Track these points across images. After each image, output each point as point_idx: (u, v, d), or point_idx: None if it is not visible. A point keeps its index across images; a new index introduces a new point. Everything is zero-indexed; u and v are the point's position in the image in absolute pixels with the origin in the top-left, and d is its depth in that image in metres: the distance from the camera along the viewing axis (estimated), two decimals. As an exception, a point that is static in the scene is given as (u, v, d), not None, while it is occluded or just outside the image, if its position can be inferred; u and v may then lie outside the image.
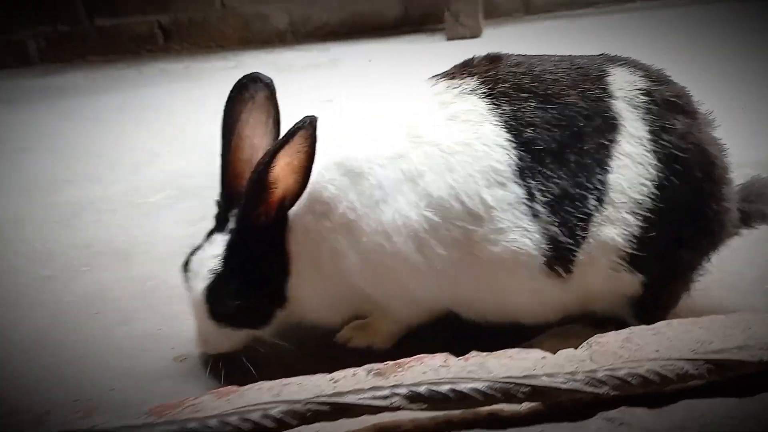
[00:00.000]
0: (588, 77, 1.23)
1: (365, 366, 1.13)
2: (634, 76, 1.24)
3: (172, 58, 4.42)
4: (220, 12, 4.49)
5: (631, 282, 1.22)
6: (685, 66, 3.08)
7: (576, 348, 1.13)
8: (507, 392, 0.95)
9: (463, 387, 0.95)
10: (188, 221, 2.11)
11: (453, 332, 1.35)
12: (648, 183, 1.17)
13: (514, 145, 1.19)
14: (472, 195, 1.18)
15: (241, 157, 1.30)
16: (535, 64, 1.26)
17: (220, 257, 1.29)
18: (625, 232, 1.17)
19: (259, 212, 1.24)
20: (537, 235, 1.18)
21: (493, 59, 1.29)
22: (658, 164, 1.17)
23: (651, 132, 1.19)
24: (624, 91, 1.22)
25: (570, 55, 1.31)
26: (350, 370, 1.13)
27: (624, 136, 1.18)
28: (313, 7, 4.51)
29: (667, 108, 1.21)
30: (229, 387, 1.12)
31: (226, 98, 1.36)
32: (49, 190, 2.48)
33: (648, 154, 1.17)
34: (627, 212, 1.17)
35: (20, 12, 4.41)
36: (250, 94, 1.30)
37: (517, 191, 1.18)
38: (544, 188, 1.17)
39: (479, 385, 0.95)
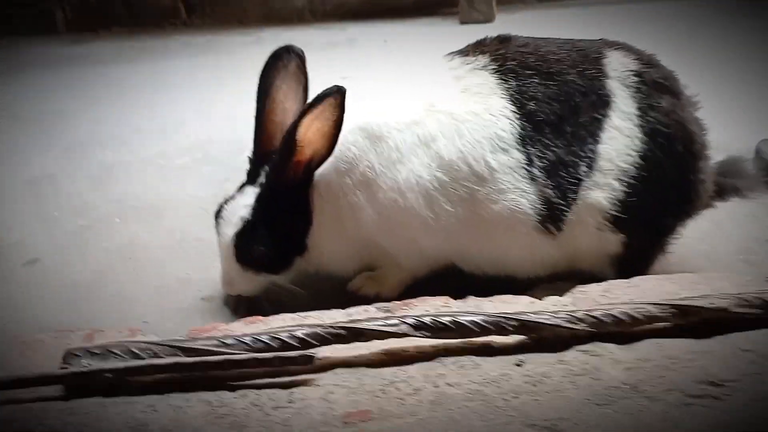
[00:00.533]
0: (587, 58, 1.38)
1: (375, 304, 1.29)
2: (628, 58, 1.39)
3: (194, 32, 4.54)
4: (242, -12, 4.62)
5: (613, 241, 1.37)
6: (694, 54, 3.21)
7: (561, 296, 1.29)
8: (498, 325, 1.11)
9: (462, 319, 1.11)
10: (212, 183, 2.26)
11: (452, 285, 1.50)
12: (634, 153, 1.32)
13: (517, 115, 1.34)
14: (478, 158, 1.33)
15: (274, 119, 1.45)
16: (540, 46, 1.41)
17: (250, 207, 1.43)
18: (611, 196, 1.33)
19: (288, 169, 1.38)
20: (533, 196, 1.33)
21: (503, 40, 1.45)
22: (644, 137, 1.33)
23: (639, 109, 1.34)
24: (617, 71, 1.37)
25: (572, 39, 1.45)
26: (362, 307, 1.29)
27: (615, 112, 1.34)
28: (332, -14, 4.63)
29: (655, 88, 1.36)
30: (256, 317, 1.29)
31: (256, 72, 1.49)
32: (81, 151, 2.63)
33: (635, 128, 1.33)
34: (613, 178, 1.32)
35: (49, -19, 4.55)
36: (284, 63, 1.44)
37: (518, 156, 1.33)
38: (542, 155, 1.33)
39: (476, 318, 1.11)
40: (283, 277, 1.51)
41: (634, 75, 1.36)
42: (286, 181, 1.41)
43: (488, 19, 4.31)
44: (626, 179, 1.33)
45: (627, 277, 1.33)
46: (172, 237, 1.91)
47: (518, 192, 1.33)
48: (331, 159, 1.38)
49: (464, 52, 1.45)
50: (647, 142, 1.33)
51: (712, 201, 1.46)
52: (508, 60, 1.39)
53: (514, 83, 1.36)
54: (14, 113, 3.16)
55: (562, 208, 1.33)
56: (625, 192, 1.33)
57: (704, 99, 1.50)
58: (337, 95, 1.29)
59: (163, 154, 2.55)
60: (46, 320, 1.54)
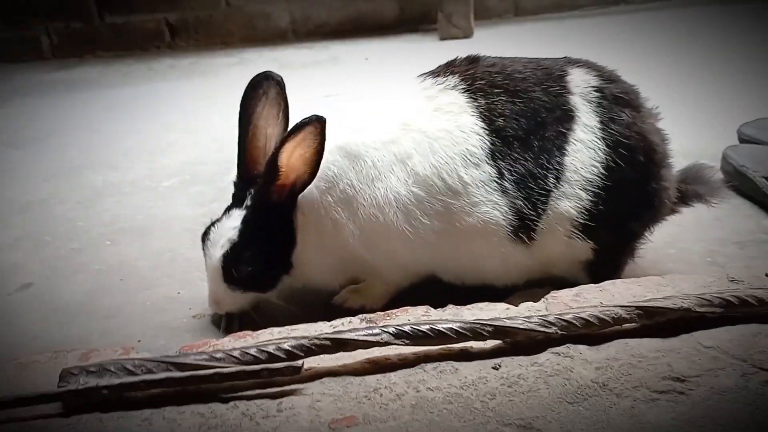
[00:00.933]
0: (551, 76, 1.46)
1: (359, 315, 1.35)
2: (589, 75, 1.47)
3: (179, 55, 4.63)
4: (225, 10, 4.69)
5: (583, 248, 1.44)
6: (660, 65, 3.32)
7: (536, 302, 1.35)
8: (475, 331, 1.17)
9: (439, 326, 1.17)
10: (200, 203, 2.32)
11: (434, 295, 1.56)
12: (598, 164, 1.40)
13: (487, 132, 1.41)
14: (452, 174, 1.40)
15: (257, 145, 1.51)
16: (507, 65, 1.48)
17: (237, 229, 1.49)
18: (578, 206, 1.40)
19: (272, 192, 1.44)
20: (505, 208, 1.40)
21: (473, 60, 1.52)
22: (607, 149, 1.40)
23: (601, 122, 1.42)
24: (580, 88, 1.45)
25: (537, 58, 1.53)
26: (347, 318, 1.34)
27: (578, 125, 1.41)
28: (313, 7, 4.72)
29: (615, 102, 1.44)
30: (245, 332, 1.34)
31: (241, 94, 1.55)
32: (70, 175, 2.68)
33: (598, 141, 1.40)
34: (580, 189, 1.40)
35: (34, 8, 4.61)
36: (264, 90, 1.49)
37: (489, 171, 1.40)
38: (511, 168, 1.40)
39: (453, 325, 1.17)
40: (271, 294, 1.56)
41: (595, 90, 1.44)
42: (270, 203, 1.46)
43: (467, 34, 4.42)
44: (592, 189, 1.40)
45: (598, 281, 1.40)
46: (162, 257, 1.96)
47: (491, 204, 1.39)
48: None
49: (436, 73, 1.52)
50: (610, 154, 1.40)
51: (677, 207, 1.54)
52: (477, 80, 1.46)
53: (483, 101, 1.43)
54: (2, 139, 3.21)
55: (533, 218, 1.40)
56: (591, 201, 1.40)
57: (671, 106, 1.58)
58: (317, 124, 1.35)
59: (152, 176, 2.61)
60: (42, 342, 1.58)
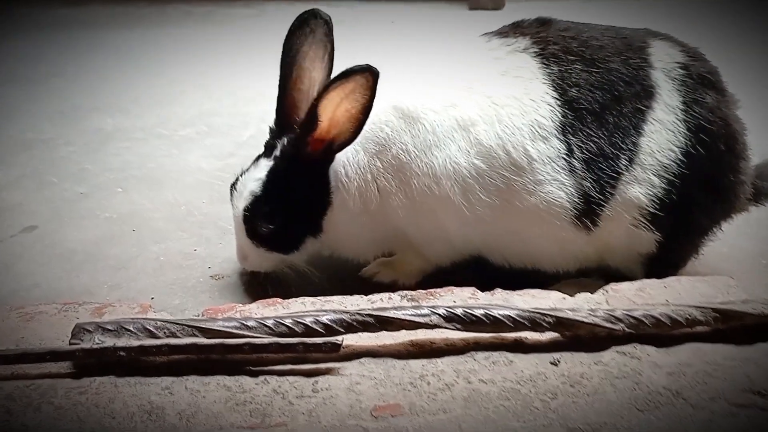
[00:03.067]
0: (631, 47, 1.32)
1: (399, 292, 1.24)
2: (673, 50, 1.33)
3: (195, 2, 4.44)
4: (246, -41, 4.51)
5: (648, 239, 1.32)
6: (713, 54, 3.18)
7: (593, 293, 1.24)
8: (534, 321, 1.06)
9: (495, 312, 1.06)
10: (216, 156, 2.19)
11: (472, 275, 1.46)
12: (676, 149, 1.27)
13: (559, 102, 1.28)
14: (518, 146, 1.27)
15: (300, 88, 1.37)
16: (582, 30, 1.34)
17: (261, 181, 1.36)
18: (650, 192, 1.27)
19: (307, 145, 1.31)
20: (571, 189, 1.27)
21: (544, 22, 1.37)
22: (687, 133, 1.27)
23: (684, 103, 1.28)
24: (663, 62, 1.31)
25: (614, 26, 1.39)
26: (386, 294, 1.23)
27: (659, 104, 1.28)
28: (338, -36, 4.53)
29: (701, 83, 1.30)
30: (275, 298, 1.22)
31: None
32: (78, 116, 2.54)
33: (679, 123, 1.27)
34: (654, 174, 1.27)
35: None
36: (311, 29, 1.36)
37: (558, 146, 1.27)
38: (582, 145, 1.27)
39: (510, 312, 1.06)
40: (296, 257, 1.44)
41: (680, 67, 1.31)
42: (303, 157, 1.33)
43: (497, 6, 4.26)
44: (666, 176, 1.27)
45: (657, 276, 1.28)
46: (177, 210, 1.84)
47: (556, 184, 1.27)
48: (361, 138, 1.31)
49: (503, 33, 1.38)
50: (690, 138, 1.27)
51: (748, 203, 1.42)
52: (550, 44, 1.32)
53: (556, 68, 1.30)
54: (7, 75, 3.05)
55: (600, 202, 1.28)
56: (664, 189, 1.28)
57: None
58: (368, 75, 1.20)
59: (164, 124, 2.47)
60: (44, 290, 1.47)
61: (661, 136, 1.27)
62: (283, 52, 1.37)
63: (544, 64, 1.31)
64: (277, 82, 1.37)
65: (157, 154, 2.20)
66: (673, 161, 1.27)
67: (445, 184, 1.29)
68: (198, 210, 1.83)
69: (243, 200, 1.37)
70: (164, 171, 2.08)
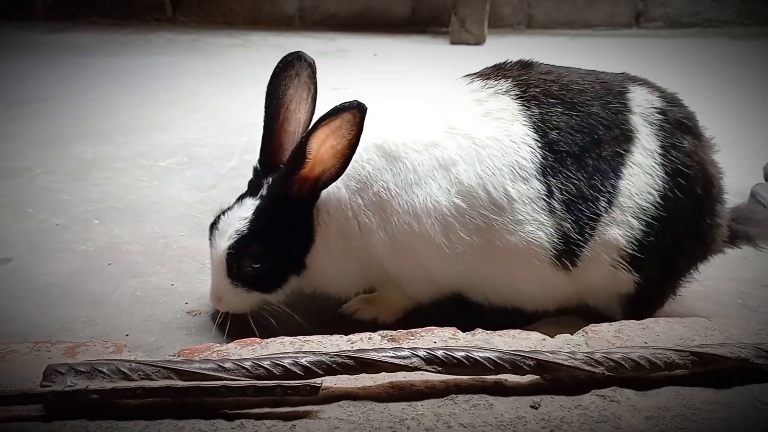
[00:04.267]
0: (610, 91, 1.34)
1: (379, 331, 1.23)
2: (652, 95, 1.36)
3: (179, 30, 4.46)
4: (232, -11, 4.55)
5: (627, 280, 1.33)
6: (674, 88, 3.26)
7: (572, 334, 1.24)
8: (514, 363, 1.06)
9: (476, 355, 1.05)
10: (198, 188, 2.17)
11: (452, 313, 1.45)
12: (654, 192, 1.28)
13: (539, 144, 1.29)
14: (498, 187, 1.28)
15: (287, 129, 1.38)
16: (563, 74, 1.36)
17: (247, 220, 1.35)
18: (629, 234, 1.29)
19: (293, 183, 1.31)
20: (551, 230, 1.28)
21: (526, 65, 1.40)
22: (665, 176, 1.29)
23: (662, 147, 1.30)
24: (642, 107, 1.33)
25: (594, 70, 1.42)
26: (365, 334, 1.22)
27: (637, 148, 1.30)
28: (323, -4, 4.59)
29: (678, 128, 1.32)
30: (253, 338, 1.21)
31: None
32: (59, 143, 2.52)
33: (657, 167, 1.29)
34: (632, 216, 1.28)
35: (31, -34, 4.41)
36: (296, 72, 1.37)
37: (538, 187, 1.28)
38: (562, 187, 1.28)
39: (491, 355, 1.06)
40: (276, 296, 1.43)
41: (658, 112, 1.33)
42: (289, 195, 1.33)
43: (478, 41, 4.33)
44: (644, 218, 1.29)
45: (634, 315, 1.30)
46: (155, 243, 1.82)
47: (536, 224, 1.28)
48: (342, 176, 1.32)
49: (484, 75, 1.40)
50: (668, 182, 1.29)
51: (724, 246, 1.44)
52: (531, 86, 1.34)
53: (537, 111, 1.31)
54: (-10, 99, 3.03)
55: (579, 243, 1.29)
56: (642, 231, 1.29)
57: None
58: (356, 112, 1.22)
59: (146, 153, 2.45)
60: (18, 324, 1.44)
61: (640, 180, 1.29)
62: (268, 94, 1.37)
63: (525, 106, 1.32)
64: (262, 123, 1.38)
65: (138, 185, 2.18)
66: (651, 204, 1.28)
67: (425, 222, 1.29)
68: (176, 243, 1.81)
69: (227, 239, 1.36)
70: (144, 202, 2.06)
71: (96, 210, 1.99)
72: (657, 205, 1.28)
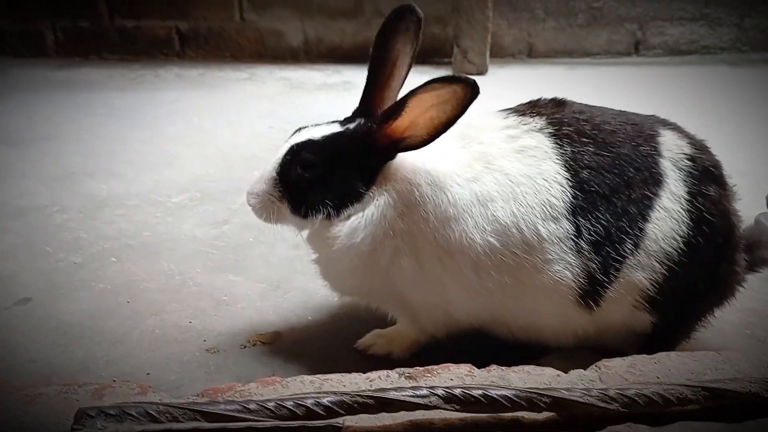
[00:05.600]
0: (641, 134, 1.36)
1: (397, 369, 1.25)
2: (682, 141, 1.37)
3: (187, 64, 4.54)
4: (238, 24, 4.63)
5: (645, 321, 1.35)
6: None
7: (585, 369, 1.27)
8: (531, 401, 1.08)
9: (493, 393, 1.08)
10: (211, 224, 2.21)
11: (463, 346, 1.48)
12: (678, 238, 1.30)
13: (570, 183, 1.30)
14: (530, 225, 1.29)
15: (390, 85, 1.38)
16: (595, 115, 1.38)
17: (324, 135, 1.36)
18: (651, 277, 1.30)
19: (380, 131, 1.31)
20: (577, 269, 1.29)
21: (559, 103, 1.42)
22: (690, 223, 1.30)
23: (689, 193, 1.32)
24: (672, 152, 1.35)
25: (625, 111, 1.44)
26: (383, 372, 1.25)
27: (666, 192, 1.31)
28: (327, 30, 4.66)
29: (706, 175, 1.34)
30: (274, 377, 1.23)
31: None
32: (71, 181, 2.56)
33: (683, 212, 1.30)
34: (656, 260, 1.30)
35: (42, 4, 4.49)
36: (406, 25, 1.36)
37: (568, 227, 1.29)
38: (591, 227, 1.29)
39: (507, 392, 1.08)
40: (296, 221, 1.41)
41: (688, 159, 1.35)
42: (369, 140, 1.33)
43: (481, 71, 4.40)
44: (667, 263, 1.30)
45: (648, 352, 1.32)
46: (172, 281, 1.85)
47: (563, 263, 1.29)
48: (397, 194, 1.33)
49: (520, 112, 1.42)
50: (692, 229, 1.31)
51: (745, 276, 1.45)
52: (565, 125, 1.36)
53: (569, 149, 1.33)
54: (1, 136, 3.08)
55: (604, 284, 1.30)
56: (664, 274, 1.31)
57: None
58: (468, 90, 1.20)
59: (158, 190, 2.50)
60: (40, 366, 1.47)
61: (666, 224, 1.30)
62: (376, 46, 1.37)
63: (558, 144, 1.33)
64: (366, 72, 1.38)
65: (152, 222, 2.22)
66: (674, 249, 1.30)
67: (458, 259, 1.31)
68: (192, 280, 1.85)
69: (298, 138, 1.38)
70: (159, 239, 2.09)
71: (112, 248, 2.03)
72: (680, 250, 1.30)
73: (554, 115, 1.38)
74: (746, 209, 2.18)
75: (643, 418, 1.10)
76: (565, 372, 1.26)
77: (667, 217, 1.30)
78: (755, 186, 2.50)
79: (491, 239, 1.30)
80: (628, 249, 1.30)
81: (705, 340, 1.62)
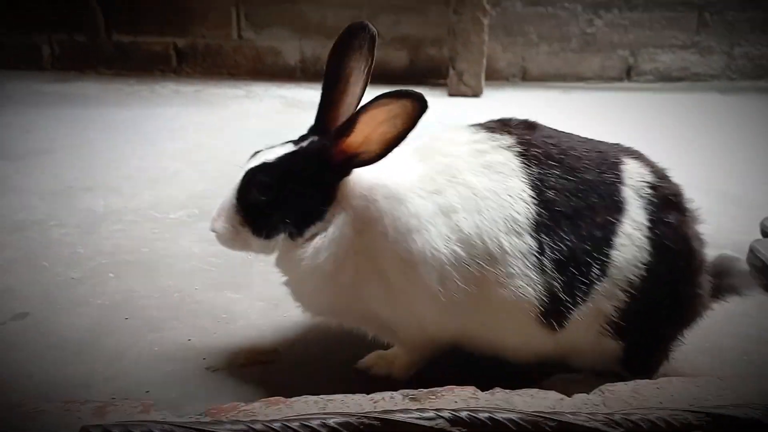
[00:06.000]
0: (606, 161, 1.38)
1: (401, 390, 1.25)
2: (644, 170, 1.40)
3: (184, 81, 4.55)
4: (235, 42, 4.65)
5: (613, 346, 1.37)
6: (667, 146, 3.36)
7: (588, 393, 1.27)
8: (536, 425, 1.09)
9: (499, 416, 1.09)
10: (209, 241, 2.16)
11: (463, 368, 1.48)
12: (640, 265, 1.32)
13: (535, 202, 1.32)
14: (493, 238, 1.30)
15: (344, 101, 1.39)
16: (564, 140, 1.41)
17: (278, 156, 1.36)
18: (615, 304, 1.32)
19: (333, 147, 1.32)
20: (540, 287, 1.31)
21: (530, 126, 1.44)
22: (651, 250, 1.33)
23: (649, 221, 1.34)
24: (633, 180, 1.37)
25: (592, 139, 1.47)
26: (387, 393, 1.24)
27: (627, 220, 1.33)
28: (324, 48, 4.69)
29: (666, 203, 1.37)
30: (278, 398, 1.23)
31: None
32: (68, 196, 2.55)
33: (644, 240, 1.33)
34: (619, 286, 1.32)
35: (39, 17, 4.50)
36: (359, 43, 1.37)
37: (531, 243, 1.31)
38: (554, 246, 1.31)
39: (513, 416, 1.09)
40: (258, 244, 1.41)
41: (649, 187, 1.37)
42: (324, 157, 1.34)
43: (476, 93, 4.44)
44: (630, 290, 1.32)
45: (634, 373, 1.35)
46: (170, 297, 1.84)
47: (526, 279, 1.30)
48: (353, 211, 1.35)
49: (490, 128, 1.43)
50: (653, 255, 1.33)
51: (710, 304, 1.48)
52: (533, 147, 1.38)
53: (536, 170, 1.35)
54: (-1, 151, 3.07)
55: (568, 305, 1.32)
56: (626, 302, 1.33)
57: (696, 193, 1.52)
58: (416, 104, 1.22)
59: (156, 206, 2.49)
60: (38, 381, 1.45)
61: (629, 251, 1.32)
62: (329, 63, 1.38)
63: (525, 164, 1.35)
64: (321, 90, 1.40)
65: (150, 238, 2.21)
66: (637, 277, 1.32)
67: (422, 270, 1.31)
68: (191, 297, 1.84)
69: (254, 162, 1.38)
70: (157, 256, 2.09)
71: (110, 263, 2.02)
72: (642, 277, 1.32)
73: (524, 136, 1.39)
74: (740, 236, 2.24)
75: (646, 443, 1.11)
76: (568, 395, 1.27)
77: (630, 243, 1.32)
78: (748, 212, 2.54)
79: (456, 248, 1.31)
80: (595, 274, 1.31)
81: (702, 364, 1.63)
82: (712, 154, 3.41)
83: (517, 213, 1.32)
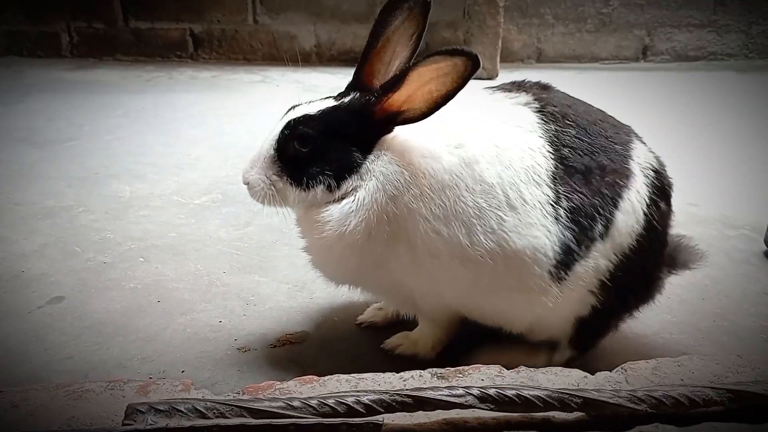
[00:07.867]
0: (618, 134, 1.42)
1: (429, 369, 1.30)
2: (651, 155, 1.45)
3: (200, 66, 4.58)
4: (251, 27, 4.67)
5: (588, 304, 1.41)
6: (682, 126, 3.35)
7: (611, 371, 1.31)
8: (562, 401, 1.13)
9: (526, 393, 1.12)
10: (234, 225, 2.25)
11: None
12: (633, 234, 1.37)
13: (552, 156, 1.35)
14: (514, 187, 1.33)
15: (381, 58, 1.39)
16: (578, 103, 1.45)
17: (320, 110, 1.37)
18: (609, 264, 1.37)
19: (378, 104, 1.32)
20: (555, 238, 1.33)
21: (545, 87, 1.47)
22: (644, 225, 1.38)
23: (649, 199, 1.39)
24: (640, 159, 1.41)
25: (603, 111, 1.49)
26: (416, 372, 1.29)
27: (633, 189, 1.38)
28: (339, 33, 4.71)
29: (662, 191, 1.43)
30: (311, 376, 1.28)
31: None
32: (95, 182, 2.61)
33: (641, 214, 1.38)
34: (613, 251, 1.37)
35: (57, 5, 4.54)
36: (409, 5, 1.38)
37: (548, 193, 1.33)
38: (568, 195, 1.34)
39: (540, 393, 1.12)
40: (295, 195, 1.40)
41: (653, 170, 1.42)
42: (367, 113, 1.34)
43: (491, 75, 4.44)
44: (621, 256, 1.37)
45: (579, 343, 1.45)
46: (200, 281, 1.89)
47: (543, 229, 1.33)
48: (383, 176, 1.35)
49: (506, 89, 1.46)
50: (644, 229, 1.38)
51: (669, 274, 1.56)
52: (550, 104, 1.40)
53: (553, 126, 1.38)
54: (24, 137, 3.13)
55: (576, 256, 1.35)
56: (616, 265, 1.37)
57: (699, 172, 1.56)
58: (468, 63, 1.21)
59: (181, 191, 2.54)
60: (77, 363, 1.51)
61: (630, 217, 1.36)
62: (376, 21, 1.38)
63: (543, 120, 1.38)
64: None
65: (176, 223, 2.26)
66: (628, 243, 1.37)
67: (454, 226, 1.32)
68: (219, 281, 1.89)
69: (294, 114, 1.39)
70: (184, 240, 2.14)
71: (139, 248, 2.07)
72: (631, 247, 1.37)
73: (540, 95, 1.42)
74: (758, 216, 2.25)
75: (670, 419, 1.14)
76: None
77: (632, 211, 1.37)
78: (766, 192, 2.55)
79: (480, 200, 1.32)
80: (599, 230, 1.34)
81: (722, 343, 1.66)
82: (729, 133, 3.40)
83: (537, 164, 1.34)
